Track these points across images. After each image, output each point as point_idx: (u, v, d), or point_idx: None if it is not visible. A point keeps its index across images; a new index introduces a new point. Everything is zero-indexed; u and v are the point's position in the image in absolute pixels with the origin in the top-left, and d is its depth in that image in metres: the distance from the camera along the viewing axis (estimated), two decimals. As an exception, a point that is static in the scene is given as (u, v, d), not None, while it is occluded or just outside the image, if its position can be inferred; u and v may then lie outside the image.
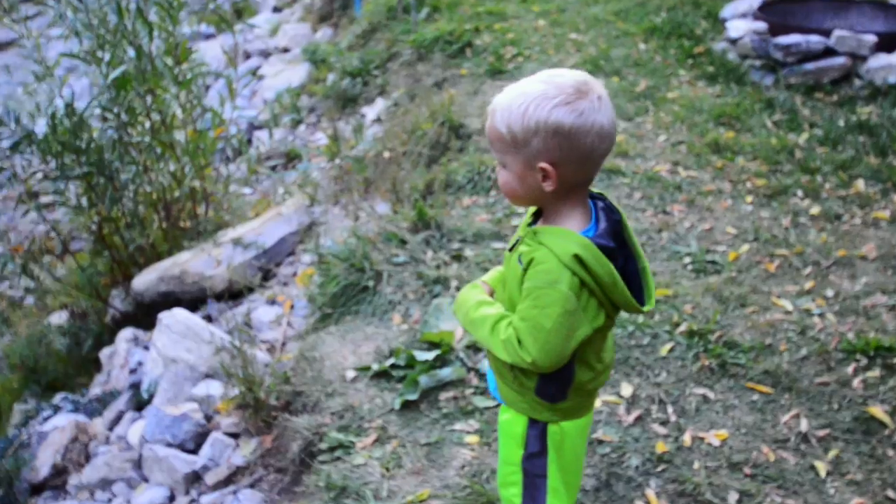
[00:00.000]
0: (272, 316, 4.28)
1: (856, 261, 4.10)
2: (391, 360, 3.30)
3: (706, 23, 7.78)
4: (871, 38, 6.35)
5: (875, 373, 3.29)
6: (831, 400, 3.15)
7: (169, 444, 3.45)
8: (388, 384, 3.24)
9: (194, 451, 3.47)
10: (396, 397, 3.14)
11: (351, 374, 3.32)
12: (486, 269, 3.94)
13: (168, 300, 4.68)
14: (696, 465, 2.83)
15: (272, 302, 4.48)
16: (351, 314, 3.77)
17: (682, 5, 8.39)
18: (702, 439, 2.95)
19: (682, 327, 3.51)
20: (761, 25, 6.85)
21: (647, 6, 8.44)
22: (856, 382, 3.24)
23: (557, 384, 2.00)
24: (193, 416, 3.51)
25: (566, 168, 1.83)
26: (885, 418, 3.06)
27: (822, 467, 2.85)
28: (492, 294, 2.13)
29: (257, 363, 3.61)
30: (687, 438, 2.94)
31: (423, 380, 3.16)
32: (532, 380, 1.99)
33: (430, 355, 3.26)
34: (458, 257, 4.07)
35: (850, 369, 3.31)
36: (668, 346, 3.41)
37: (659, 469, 2.82)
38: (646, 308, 1.96)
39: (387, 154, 5.62)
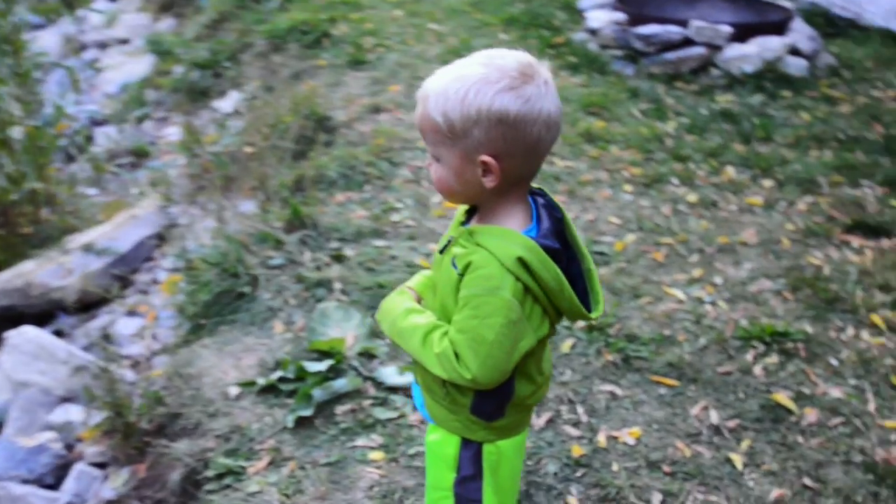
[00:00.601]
0: (134, 328, 3.89)
1: (737, 247, 4.11)
2: (278, 373, 3.02)
3: (564, 13, 7.78)
4: (727, 29, 6.48)
5: (773, 359, 3.26)
6: (736, 389, 3.10)
7: (25, 481, 3.04)
8: (277, 400, 2.96)
9: (55, 486, 3.07)
10: (288, 414, 2.86)
11: (234, 390, 3.01)
12: (370, 270, 3.71)
13: (10, 316, 4.19)
14: (615, 467, 2.70)
15: (133, 313, 4.08)
16: (227, 324, 3.44)
17: (536, -4, 8.37)
18: (616, 439, 2.82)
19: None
20: (620, 16, 6.89)
21: (501, -3, 8.38)
22: (757, 370, 3.20)
23: (495, 400, 1.79)
24: (52, 446, 3.11)
25: (510, 161, 1.63)
26: (790, 404, 3.02)
27: (737, 459, 2.78)
28: (419, 301, 1.92)
29: (123, 383, 3.24)
30: (601, 439, 2.81)
31: (317, 393, 2.90)
32: (467, 396, 1.78)
33: (321, 366, 3.00)
34: (338, 257, 3.81)
35: (749, 357, 3.27)
36: (569, 342, 3.28)
37: (578, 474, 2.67)
38: (594, 315, 1.77)
39: (248, 149, 5.27)
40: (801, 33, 6.72)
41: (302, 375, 2.98)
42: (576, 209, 4.36)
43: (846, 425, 2.96)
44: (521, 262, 1.62)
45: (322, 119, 5.34)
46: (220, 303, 3.52)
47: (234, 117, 6.07)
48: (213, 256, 3.64)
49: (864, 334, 3.46)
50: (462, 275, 1.66)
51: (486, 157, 1.61)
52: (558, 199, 4.35)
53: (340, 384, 2.95)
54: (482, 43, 7.00)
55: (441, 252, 1.77)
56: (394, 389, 2.99)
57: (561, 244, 1.71)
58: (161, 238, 4.85)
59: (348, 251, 3.87)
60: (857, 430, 2.93)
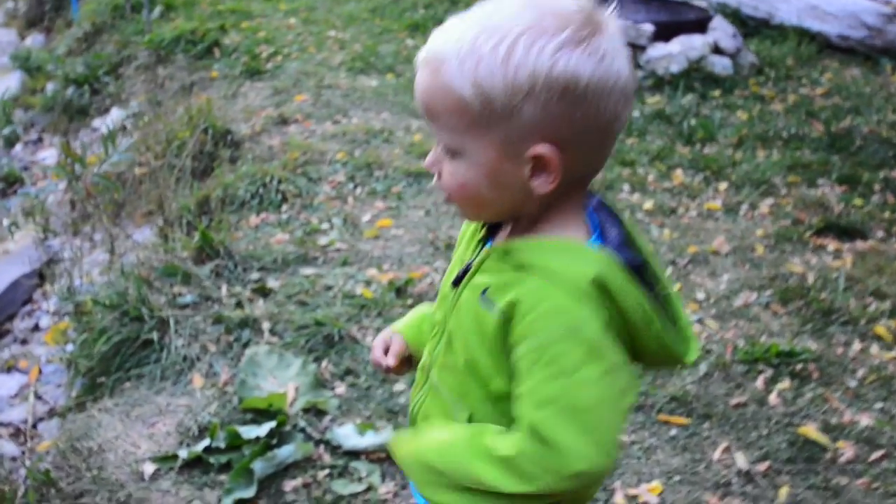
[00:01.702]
0: (13, 388, 3.17)
1: (710, 256, 3.68)
2: (204, 442, 2.38)
3: (471, 18, 7.33)
4: (650, 28, 6.14)
5: (786, 384, 2.82)
6: (757, 424, 2.63)
7: None
8: (206, 477, 2.32)
9: None
10: (223, 496, 2.23)
11: (149, 467, 2.35)
12: (302, 304, 3.10)
13: None
14: (643, 537, 2.18)
15: (11, 369, 3.34)
16: (132, 379, 2.78)
17: (439, 2, 7.91)
18: (635, 498, 2.30)
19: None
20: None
21: (401, 3, 7.89)
22: (772, 399, 2.74)
23: None
24: None
25: (575, 152, 1.09)
26: (821, 438, 2.57)
27: (780, 514, 2.30)
28: (410, 357, 1.38)
29: (2, 458, 2.54)
30: (620, 501, 2.28)
31: (258, 466, 2.28)
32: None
33: (260, 429, 2.38)
34: (262, 291, 3.18)
35: (759, 383, 2.82)
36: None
37: (603, 550, 2.13)
38: (689, 359, 1.21)
39: (139, 170, 4.57)
40: (722, 31, 6.44)
41: (236, 443, 2.36)
42: (526, 222, 3.86)
43: (889, 459, 2.52)
44: (599, 284, 1.08)
45: (223, 133, 4.70)
46: (121, 354, 2.85)
47: (120, 135, 5.33)
48: (109, 297, 2.97)
49: (874, 348, 3.06)
50: (506, 318, 1.10)
51: (540, 148, 1.07)
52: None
53: (286, 452, 2.34)
54: (389, 49, 6.49)
55: (455, 285, 1.21)
56: (353, 454, 2.40)
57: None
58: (41, 277, 4.10)
59: (272, 282, 3.25)
60: (902, 464, 2.50)
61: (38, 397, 3.12)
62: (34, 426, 2.98)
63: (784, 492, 2.38)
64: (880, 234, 3.97)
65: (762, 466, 2.46)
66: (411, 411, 1.31)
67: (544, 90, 1.04)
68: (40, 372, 3.24)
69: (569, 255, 1.11)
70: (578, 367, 1.06)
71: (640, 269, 1.13)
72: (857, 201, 4.28)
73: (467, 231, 1.30)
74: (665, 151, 4.79)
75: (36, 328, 3.62)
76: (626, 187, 4.32)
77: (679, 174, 4.53)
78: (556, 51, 1.04)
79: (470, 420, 1.18)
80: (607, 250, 1.12)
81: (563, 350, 1.06)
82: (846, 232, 3.95)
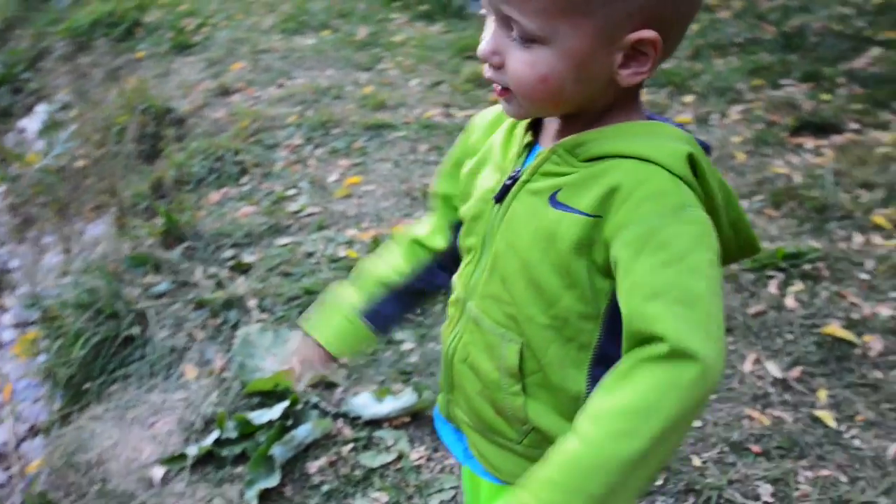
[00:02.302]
0: (-15, 411, 2.94)
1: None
2: (213, 435, 2.20)
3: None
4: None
5: (799, 286, 2.73)
6: (780, 331, 2.53)
7: None
8: (222, 472, 2.14)
9: None
10: (245, 489, 2.06)
11: (158, 471, 2.17)
12: (286, 275, 2.92)
13: None
14: (696, 462, 2.07)
15: (-22, 392, 3.10)
16: (119, 381, 2.58)
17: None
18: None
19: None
20: (465, -47, 6.27)
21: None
22: (789, 302, 2.65)
23: None
24: None
25: (669, 40, 0.95)
26: (847, 335, 2.49)
27: (826, 417, 2.20)
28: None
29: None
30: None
31: (278, 451, 2.11)
32: (568, 426, 0.95)
33: (272, 412, 2.21)
34: (240, 267, 2.99)
35: (773, 289, 2.72)
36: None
37: (659, 481, 2.02)
38: (759, 245, 1.10)
39: (81, 163, 4.30)
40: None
41: (248, 431, 2.19)
42: (499, 161, 3.70)
43: (920, 346, 2.45)
44: (693, 162, 0.96)
45: (163, 112, 4.45)
46: (101, 355, 2.65)
47: (51, 130, 5.03)
48: (78, 297, 2.75)
49: (876, 239, 2.98)
50: (598, 214, 0.95)
51: (646, 33, 0.92)
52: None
53: (304, 432, 2.17)
54: (320, 5, 6.25)
55: (499, 201, 1.05)
56: (375, 423, 2.24)
57: None
58: (-7, 289, 3.84)
59: (248, 257, 3.06)
60: (934, 350, 2.43)
61: (17, 417, 2.90)
62: (17, 447, 2.77)
63: (823, 394, 2.29)
64: (854, 125, 3.89)
65: (795, 372, 2.37)
66: (445, 353, 1.16)
67: None
68: (13, 391, 3.01)
69: (657, 136, 0.98)
70: (688, 250, 0.91)
71: (708, 151, 1.02)
72: (825, 96, 4.20)
73: (487, 138, 1.14)
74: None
75: (-1, 344, 3.38)
76: (591, 112, 4.18)
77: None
78: None
79: (523, 352, 1.04)
80: (682, 130, 1.00)
81: (673, 233, 0.91)
82: (821, 128, 3.86)
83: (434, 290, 1.28)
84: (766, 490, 1.98)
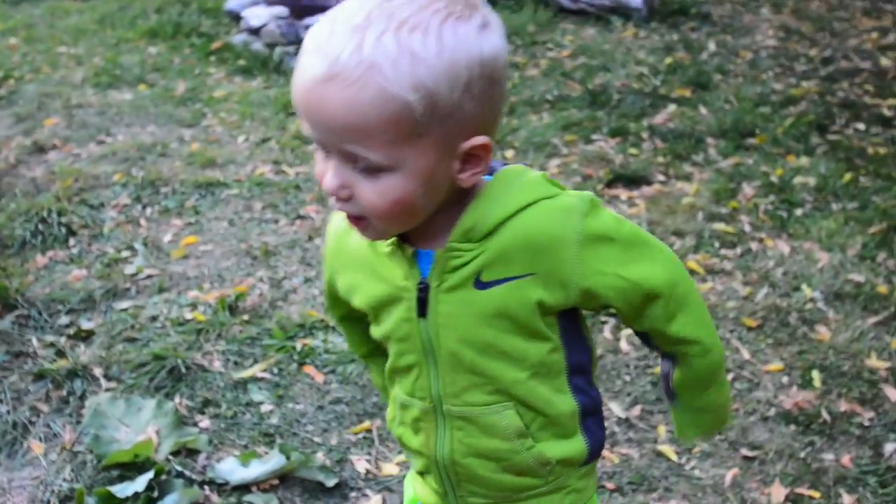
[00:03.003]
0: None
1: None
2: (72, 513, 2.12)
3: (210, 18, 7.06)
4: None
5: (629, 330, 2.95)
6: (619, 373, 2.73)
7: None
8: (86, 552, 2.07)
9: None
10: (115, 567, 2.00)
11: (13, 557, 2.06)
12: (132, 340, 2.85)
13: None
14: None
15: None
16: (-47, 463, 2.42)
17: (169, 5, 7.53)
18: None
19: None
20: (281, 10, 6.34)
21: (128, 10, 7.45)
22: (623, 346, 2.86)
23: (597, 403, 1.23)
24: None
25: (494, 134, 1.05)
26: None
27: (668, 451, 2.40)
28: None
29: None
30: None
31: (146, 524, 2.06)
32: (576, 439, 1.18)
33: (137, 484, 2.15)
34: (79, 334, 2.88)
35: (607, 334, 2.92)
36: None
37: None
38: None
39: None
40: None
41: (112, 505, 2.12)
42: (336, 217, 3.76)
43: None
44: (547, 179, 1.11)
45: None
46: (-69, 437, 2.47)
47: None
48: None
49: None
50: (532, 272, 1.06)
51: (479, 140, 1.00)
52: (310, 210, 3.76)
53: (171, 502, 2.13)
54: (133, 60, 6.12)
55: (423, 315, 1.10)
56: (243, 488, 2.23)
57: None
58: None
59: (87, 324, 2.96)
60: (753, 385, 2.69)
61: None
62: None
63: (662, 430, 2.48)
64: (661, 177, 4.24)
65: (636, 411, 2.56)
66: (438, 461, 1.19)
67: (479, 78, 0.98)
68: None
69: (514, 183, 1.08)
70: (605, 220, 1.08)
71: None
72: (633, 150, 4.55)
73: (344, 247, 1.18)
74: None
75: None
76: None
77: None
78: (477, 33, 0.98)
79: (518, 409, 1.13)
80: (513, 164, 1.13)
81: (593, 226, 1.06)
82: (633, 180, 4.19)
83: None
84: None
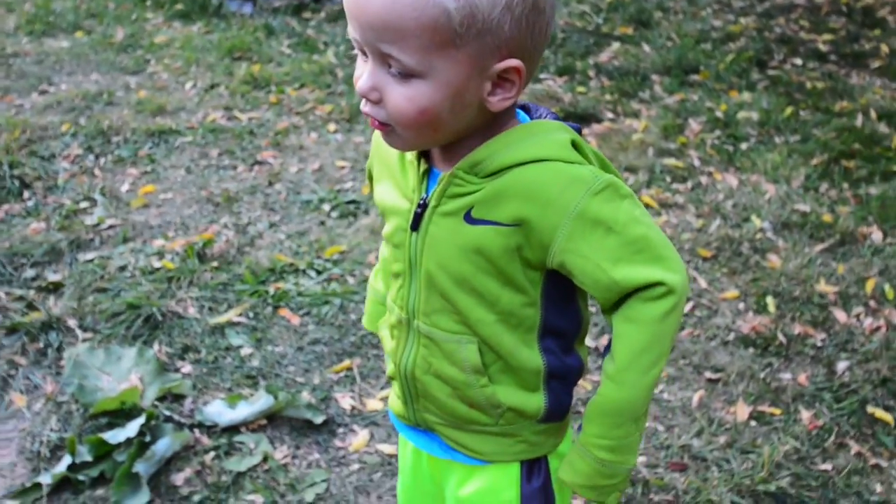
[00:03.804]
0: None
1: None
2: (65, 461, 2.14)
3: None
4: (339, -52, 6.10)
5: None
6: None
7: None
8: (83, 496, 2.09)
9: None
10: (113, 510, 2.04)
11: (9, 505, 2.09)
12: (102, 291, 2.84)
13: None
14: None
15: None
16: (-67, 419, 2.41)
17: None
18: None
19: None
20: (219, -49, 6.19)
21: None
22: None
23: (571, 376, 1.24)
24: None
25: (531, 65, 1.07)
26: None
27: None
28: None
29: None
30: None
31: (141, 468, 2.10)
32: (537, 395, 1.21)
33: (128, 430, 2.18)
34: (49, 287, 2.87)
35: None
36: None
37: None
38: None
39: None
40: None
41: (105, 451, 2.15)
42: (293, 162, 3.77)
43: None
44: (575, 144, 1.11)
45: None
46: None
47: None
48: None
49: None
50: (519, 222, 1.08)
51: (513, 62, 1.03)
52: (267, 155, 3.77)
53: (164, 446, 2.17)
54: (65, 5, 6.00)
55: (415, 229, 1.15)
56: (232, 429, 2.28)
57: None
58: None
59: (53, 276, 2.94)
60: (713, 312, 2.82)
61: None
62: None
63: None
64: (610, 115, 4.33)
65: (604, 340, 2.66)
66: (401, 370, 1.24)
67: (520, 3, 1.01)
68: None
69: (538, 135, 1.09)
70: (615, 211, 1.07)
71: (579, 131, 1.16)
72: (580, 89, 4.62)
73: (386, 167, 1.21)
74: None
75: None
76: (373, 111, 4.33)
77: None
78: None
79: (481, 349, 1.16)
80: (555, 119, 1.14)
81: (596, 208, 1.06)
82: (582, 118, 4.26)
83: None
84: (602, 446, 2.24)
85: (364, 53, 1.05)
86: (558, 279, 1.13)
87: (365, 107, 1.07)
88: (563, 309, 1.18)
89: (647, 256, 1.07)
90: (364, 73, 1.05)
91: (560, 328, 1.18)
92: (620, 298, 1.09)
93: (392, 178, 1.20)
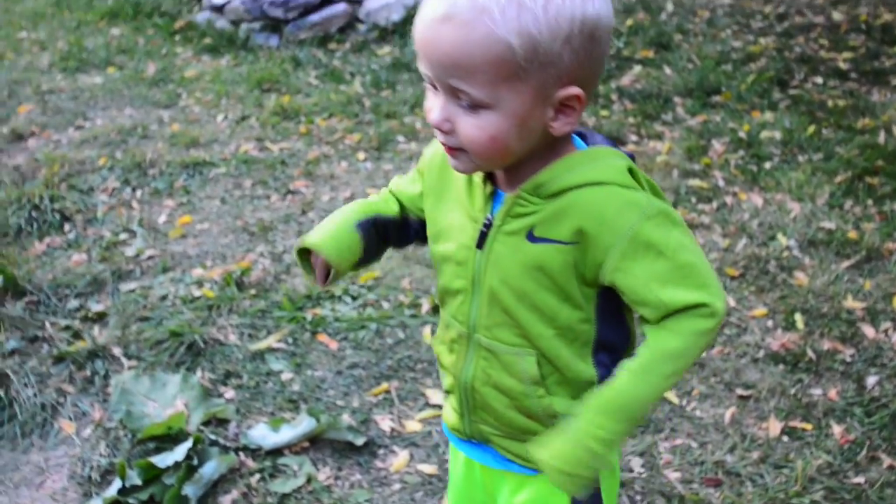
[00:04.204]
0: None
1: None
2: (116, 484, 2.21)
3: (171, -4, 7.04)
4: (363, -20, 6.23)
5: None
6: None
7: None
8: (134, 519, 2.17)
9: None
10: (164, 532, 2.11)
11: (64, 528, 2.16)
12: (146, 320, 2.93)
13: None
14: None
15: None
16: (-12, 447, 2.50)
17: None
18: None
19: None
20: (246, -14, 6.34)
21: (83, -9, 7.38)
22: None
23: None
24: None
25: (589, 91, 1.15)
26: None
27: (669, 395, 2.56)
28: (329, 271, 1.36)
29: None
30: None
31: (190, 490, 2.17)
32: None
33: (176, 454, 2.25)
34: (93, 317, 2.96)
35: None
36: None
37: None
38: None
39: None
40: (427, -25, 6.67)
41: (154, 475, 2.22)
42: (325, 191, 3.86)
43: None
44: (631, 171, 1.18)
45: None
46: (-38, 422, 2.55)
47: None
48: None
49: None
50: (577, 240, 1.16)
51: (573, 90, 1.11)
52: (299, 184, 3.86)
53: (210, 469, 2.24)
54: (97, 42, 6.12)
55: (480, 247, 1.23)
56: (276, 452, 2.35)
57: None
58: None
59: (97, 306, 3.03)
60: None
61: None
62: None
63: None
64: (634, 137, 4.39)
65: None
66: (462, 383, 1.31)
67: (579, 34, 1.08)
68: None
69: (598, 161, 1.17)
70: (667, 237, 1.14)
71: (633, 159, 1.23)
72: (604, 112, 4.69)
73: (440, 175, 1.29)
74: (420, 98, 4.92)
75: None
76: (400, 139, 4.42)
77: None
78: None
79: (539, 361, 1.23)
80: (612, 147, 1.22)
81: (649, 233, 1.14)
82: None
83: (407, 232, 1.42)
84: (637, 462, 2.30)
85: (434, 87, 1.13)
86: (611, 296, 1.21)
87: (439, 136, 1.16)
88: (614, 324, 1.25)
89: (694, 282, 1.15)
90: (435, 105, 1.13)
91: (612, 342, 1.26)
92: (664, 316, 1.16)
93: (456, 200, 1.27)
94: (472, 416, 1.34)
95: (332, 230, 1.35)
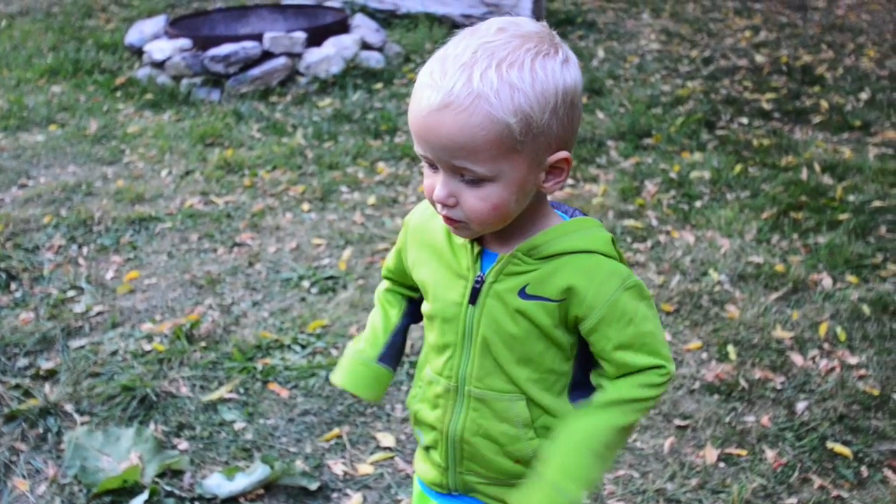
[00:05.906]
0: None
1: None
2: (73, 540, 2.25)
3: (110, 54, 7.10)
4: (302, 35, 6.35)
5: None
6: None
7: None
8: (92, 573, 2.20)
9: None
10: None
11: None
12: (95, 375, 2.96)
13: None
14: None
15: None
16: (-59, 508, 2.50)
17: (63, 43, 7.53)
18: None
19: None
20: (185, 42, 6.43)
21: (21, 50, 7.39)
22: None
23: None
24: None
25: (572, 150, 1.29)
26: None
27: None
28: None
29: None
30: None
31: (147, 542, 2.21)
32: None
33: (133, 506, 2.29)
34: (42, 375, 2.98)
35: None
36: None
37: None
38: None
39: None
40: (366, 28, 6.84)
41: (111, 529, 2.25)
42: (271, 242, 3.93)
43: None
44: (613, 242, 1.33)
45: None
46: (-86, 485, 2.55)
47: None
48: None
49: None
50: (565, 299, 1.29)
51: (562, 154, 1.24)
52: (245, 237, 3.93)
53: (168, 520, 2.28)
54: (38, 100, 6.12)
55: (473, 302, 1.33)
56: (233, 501, 2.39)
57: None
58: None
59: (46, 364, 3.05)
60: (678, 361, 2.99)
61: None
62: None
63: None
64: (570, 181, 4.55)
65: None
66: (448, 436, 1.40)
67: (562, 103, 1.20)
68: None
69: (587, 230, 1.31)
70: (636, 309, 1.31)
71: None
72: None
73: (421, 238, 1.38)
74: (361, 149, 5.05)
75: None
76: (343, 189, 4.52)
77: (383, 166, 4.82)
78: (561, 67, 1.21)
79: (528, 404, 1.34)
80: (584, 217, 1.36)
81: (623, 303, 1.29)
82: (544, 185, 4.46)
83: (417, 311, 1.51)
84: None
85: (432, 166, 1.24)
86: (586, 343, 1.34)
87: (442, 211, 1.26)
88: (586, 364, 1.37)
89: (651, 349, 1.32)
90: (438, 183, 1.24)
91: (586, 382, 1.37)
92: (623, 374, 1.32)
93: (440, 260, 1.37)
94: (459, 468, 1.42)
95: (362, 373, 1.50)
